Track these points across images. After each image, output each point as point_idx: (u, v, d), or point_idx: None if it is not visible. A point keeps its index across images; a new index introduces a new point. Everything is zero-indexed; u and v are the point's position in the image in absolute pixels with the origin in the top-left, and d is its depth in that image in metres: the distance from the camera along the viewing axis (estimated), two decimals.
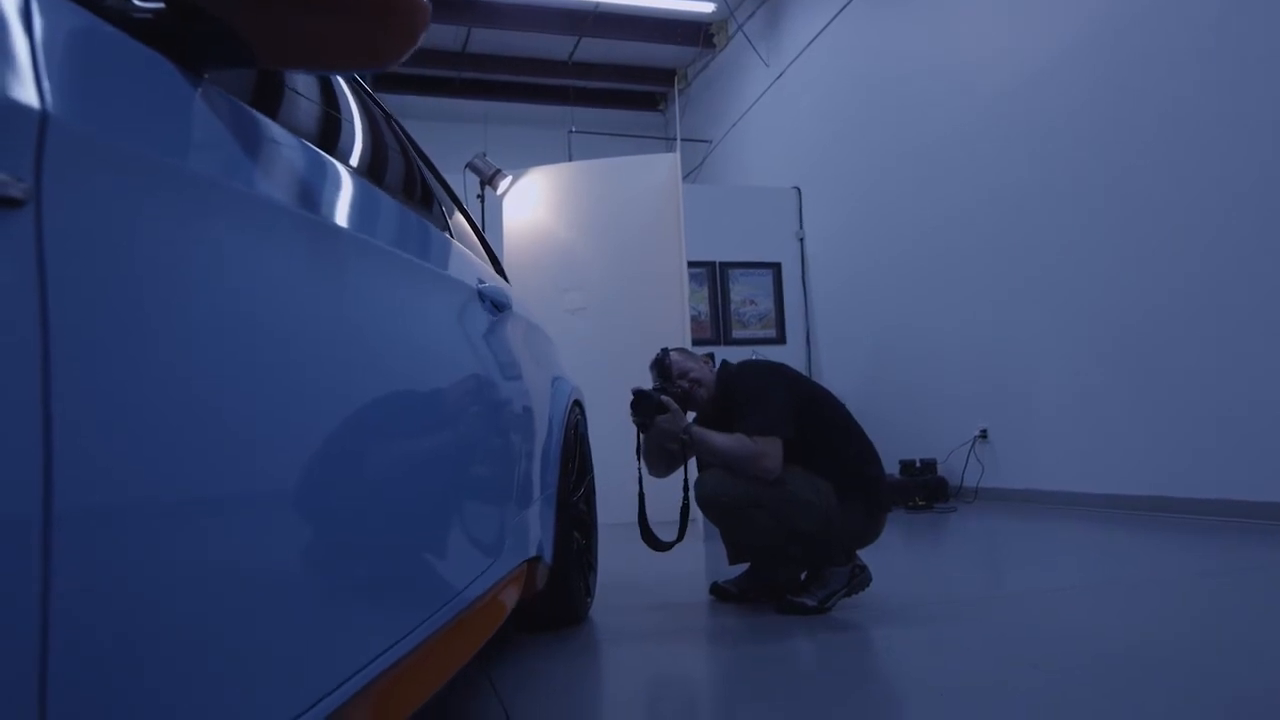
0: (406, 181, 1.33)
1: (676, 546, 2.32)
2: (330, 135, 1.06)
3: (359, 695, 0.80)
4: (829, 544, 2.11)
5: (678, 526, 2.30)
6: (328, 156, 0.93)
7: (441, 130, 7.69)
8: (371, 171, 1.13)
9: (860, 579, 2.14)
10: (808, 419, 2.17)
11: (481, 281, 1.43)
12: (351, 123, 1.17)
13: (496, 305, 1.49)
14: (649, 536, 2.32)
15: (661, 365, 2.33)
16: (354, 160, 1.08)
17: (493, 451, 1.32)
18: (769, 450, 2.07)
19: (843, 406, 2.31)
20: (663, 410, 2.18)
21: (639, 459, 2.32)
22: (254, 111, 0.77)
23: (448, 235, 1.38)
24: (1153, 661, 1.55)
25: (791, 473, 2.10)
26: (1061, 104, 4.22)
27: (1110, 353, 3.95)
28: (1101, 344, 4.01)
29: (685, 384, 2.31)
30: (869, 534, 2.19)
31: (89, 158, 0.50)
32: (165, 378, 0.56)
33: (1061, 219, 4.23)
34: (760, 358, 2.41)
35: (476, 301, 1.35)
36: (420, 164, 1.54)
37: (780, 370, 2.32)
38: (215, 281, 0.64)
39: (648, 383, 2.33)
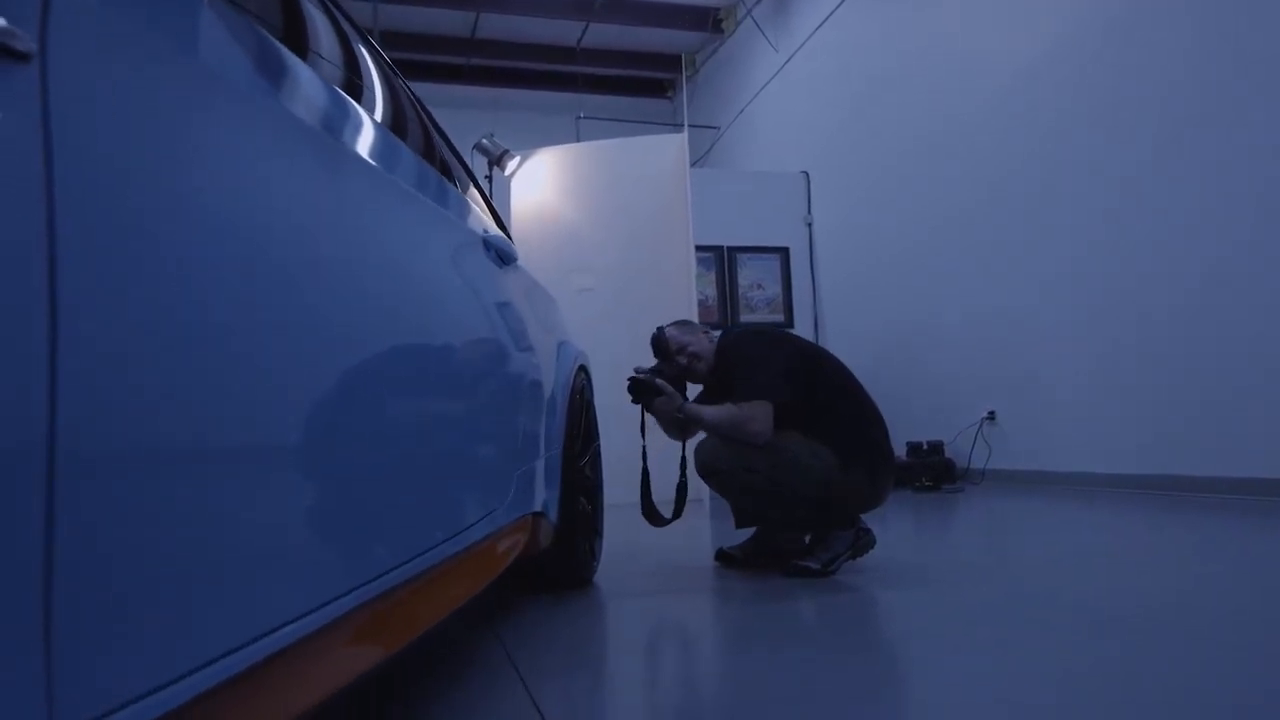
0: (410, 128, 1.33)
1: (675, 523, 2.33)
2: (346, 79, 1.07)
3: (354, 612, 0.80)
4: (830, 507, 2.12)
5: (674, 504, 2.31)
6: (338, 89, 0.94)
7: (450, 117, 7.62)
8: (378, 110, 1.14)
9: (864, 541, 2.14)
10: (808, 383, 2.17)
11: (487, 231, 1.43)
12: (369, 74, 1.18)
13: (501, 256, 1.49)
14: (650, 511, 2.33)
15: (657, 343, 2.35)
16: (364, 100, 1.09)
17: (495, 395, 1.33)
18: (756, 414, 2.08)
19: (846, 371, 2.31)
20: (658, 393, 2.20)
21: (643, 436, 2.33)
22: (263, 31, 0.78)
23: (452, 183, 1.38)
24: (1150, 624, 1.55)
25: (789, 437, 2.10)
26: (1071, 89, 4.19)
27: (1118, 333, 3.93)
28: (1109, 325, 3.99)
29: (683, 359, 2.32)
30: (873, 498, 2.19)
31: (92, 24, 0.50)
32: (170, 254, 0.57)
33: (1070, 202, 4.21)
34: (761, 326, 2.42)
35: (480, 247, 1.35)
36: (427, 120, 1.55)
37: (776, 337, 2.33)
38: (219, 173, 0.64)
39: (653, 362, 2.35)
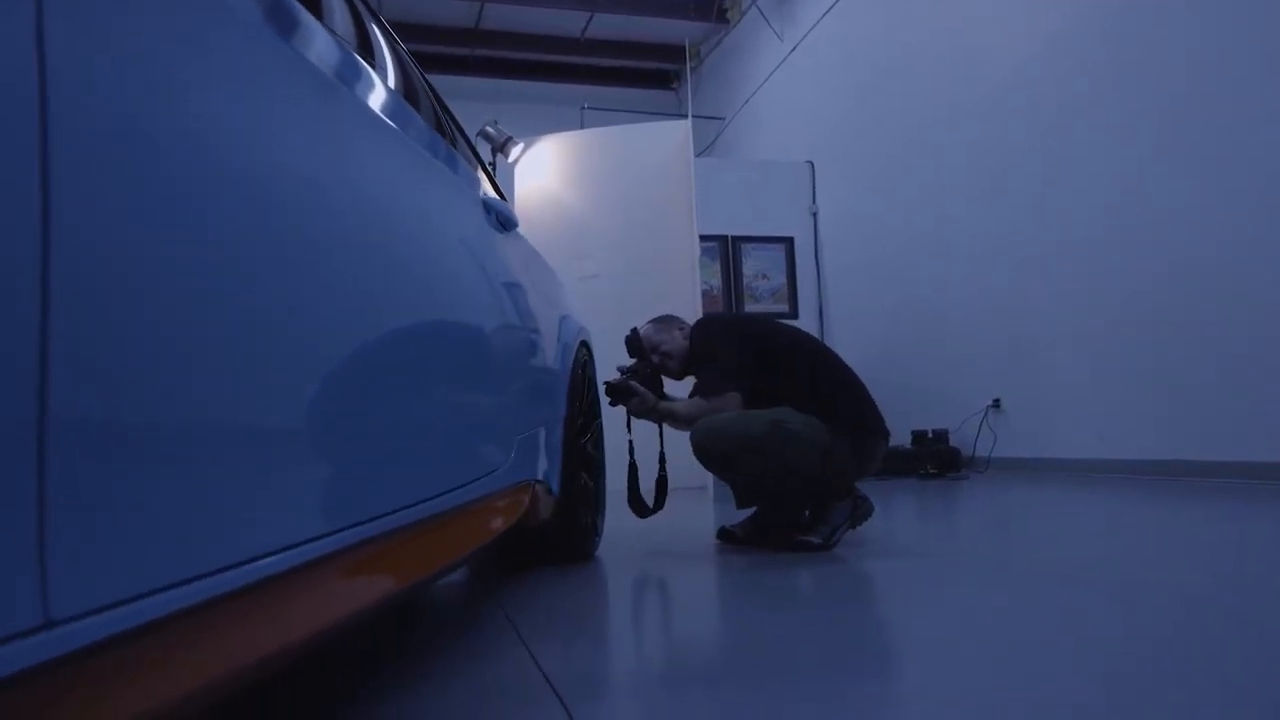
0: (400, 80, 1.34)
1: (670, 510, 2.44)
2: (351, 36, 1.07)
3: (353, 549, 0.80)
4: (827, 479, 2.13)
5: (654, 496, 2.41)
6: (347, 47, 0.94)
7: (454, 108, 7.67)
8: (374, 62, 1.14)
9: (862, 510, 2.16)
10: (780, 362, 2.24)
11: (486, 194, 1.44)
12: (372, 32, 1.19)
13: (502, 222, 1.49)
14: (636, 502, 2.41)
15: (631, 344, 2.42)
16: (362, 51, 1.09)
17: (494, 356, 1.33)
18: (719, 406, 2.18)
19: (822, 347, 2.39)
20: (633, 394, 2.28)
21: (629, 431, 2.37)
22: None
23: (452, 146, 1.38)
24: (1138, 599, 1.55)
25: (783, 412, 2.12)
26: (1076, 74, 4.17)
27: (1124, 320, 3.92)
28: (1115, 312, 3.97)
29: (656, 358, 2.40)
30: (863, 465, 2.21)
31: None
32: (176, 178, 0.57)
33: (1073, 191, 4.19)
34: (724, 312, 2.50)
35: (480, 208, 1.35)
36: (422, 80, 1.55)
37: (742, 320, 2.45)
38: (225, 105, 0.65)
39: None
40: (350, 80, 0.93)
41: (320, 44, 0.87)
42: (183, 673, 0.55)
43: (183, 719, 0.54)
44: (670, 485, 2.45)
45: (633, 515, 2.44)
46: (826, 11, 6.53)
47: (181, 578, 0.55)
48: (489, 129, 4.71)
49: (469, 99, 8.83)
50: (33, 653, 0.42)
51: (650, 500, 2.41)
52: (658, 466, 2.39)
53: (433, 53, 8.48)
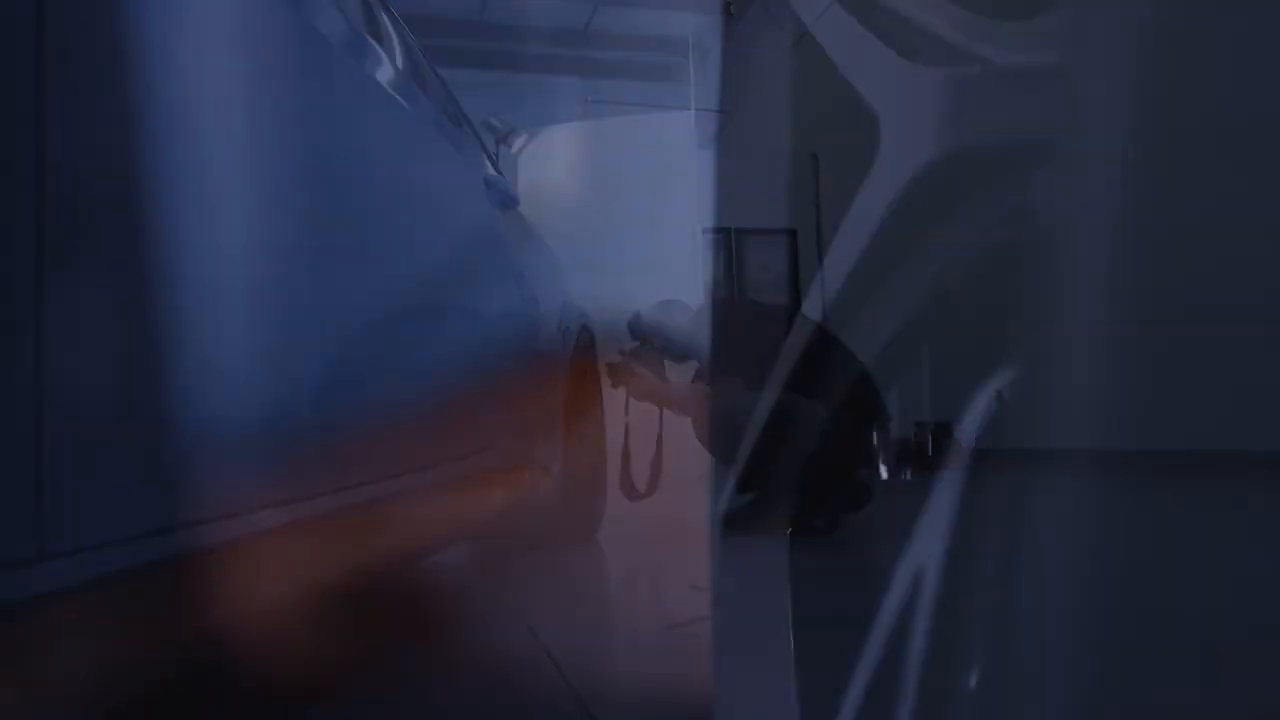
0: (420, 71, 1.34)
1: (671, 499, 2.43)
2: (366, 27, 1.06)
3: (331, 517, 0.80)
4: (829, 463, 2.13)
5: (648, 480, 2.40)
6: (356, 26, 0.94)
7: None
8: (392, 49, 1.14)
9: (863, 496, 2.16)
10: (783, 348, 2.21)
11: (487, 173, 1.44)
12: (384, 28, 1.19)
13: (503, 201, 1.49)
14: (627, 484, 2.40)
15: (634, 327, 2.45)
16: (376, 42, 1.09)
17: (491, 332, 1.33)
18: (721, 390, 2.18)
19: (824, 332, 2.40)
20: (635, 377, 2.31)
21: (626, 414, 2.38)
22: None
23: (457, 127, 1.38)
24: (1139, 585, 1.56)
25: (786, 396, 2.12)
26: (1077, 61, 4.15)
27: (1126, 312, 3.90)
28: (1117, 303, 3.95)
29: (659, 341, 2.41)
30: (865, 452, 2.21)
31: None
32: (178, 149, 0.57)
33: (1074, 179, 4.17)
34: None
35: (481, 184, 1.35)
36: (433, 72, 1.54)
37: (737, 308, 2.41)
38: (231, 72, 0.65)
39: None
40: (358, 57, 0.93)
41: (329, 22, 0.87)
42: (177, 613, 0.55)
43: (182, 660, 0.55)
44: (667, 470, 2.43)
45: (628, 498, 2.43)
46: (829, 6, 6.51)
47: (182, 521, 0.55)
48: (493, 121, 4.71)
49: (472, 92, 8.82)
50: (28, 584, 0.42)
51: (642, 485, 2.40)
52: (655, 449, 2.39)
53: (436, 45, 8.47)
